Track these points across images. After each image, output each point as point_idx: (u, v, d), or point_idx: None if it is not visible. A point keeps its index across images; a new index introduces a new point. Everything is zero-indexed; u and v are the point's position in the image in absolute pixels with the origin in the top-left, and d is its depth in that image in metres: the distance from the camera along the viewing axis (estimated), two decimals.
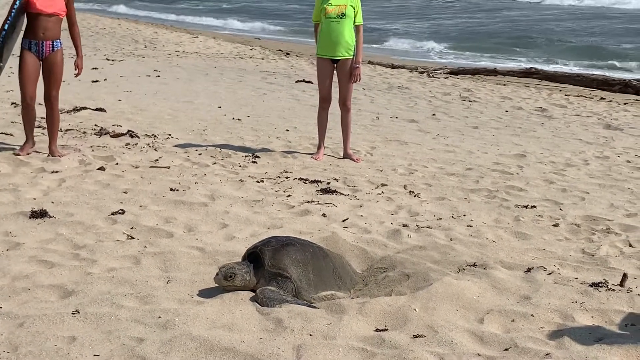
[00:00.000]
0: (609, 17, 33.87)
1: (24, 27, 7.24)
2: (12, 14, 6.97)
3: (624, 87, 15.36)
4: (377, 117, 10.95)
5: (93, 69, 13.86)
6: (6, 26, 7.00)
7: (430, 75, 16.54)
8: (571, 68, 19.40)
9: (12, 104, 9.59)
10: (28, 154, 7.29)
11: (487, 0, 41.42)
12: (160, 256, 4.92)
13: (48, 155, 7.35)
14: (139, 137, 8.42)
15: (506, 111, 12.35)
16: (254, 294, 4.29)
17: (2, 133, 8.15)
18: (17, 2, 6.95)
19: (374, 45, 23.15)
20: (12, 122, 8.59)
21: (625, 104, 13.68)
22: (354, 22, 7.79)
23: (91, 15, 27.72)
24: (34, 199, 6.11)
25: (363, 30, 7.99)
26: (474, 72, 17.41)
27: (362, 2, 8.00)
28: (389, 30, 27.63)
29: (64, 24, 7.28)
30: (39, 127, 8.38)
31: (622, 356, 3.78)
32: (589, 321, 4.18)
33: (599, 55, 21.61)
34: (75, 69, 7.54)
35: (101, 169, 7.09)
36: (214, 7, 37.70)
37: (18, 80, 7.24)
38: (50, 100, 7.34)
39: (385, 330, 4.00)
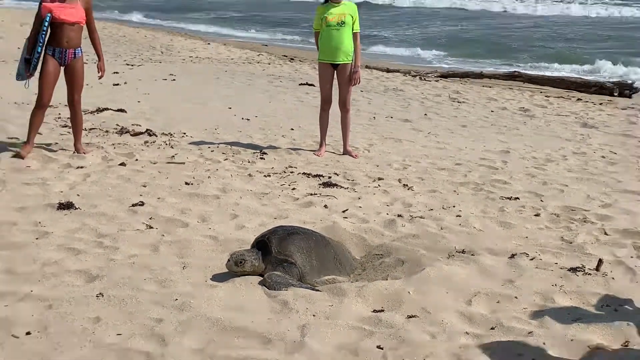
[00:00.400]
0: (581, 25, 33.74)
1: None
2: (43, 34, 6.89)
3: (600, 88, 15.34)
4: (374, 117, 10.94)
5: (114, 73, 13.84)
6: (39, 48, 6.93)
7: (422, 78, 16.51)
8: (552, 71, 19.30)
9: None
10: (28, 154, 7.06)
11: (461, 10, 41.41)
12: (177, 244, 4.94)
13: (73, 153, 7.36)
14: (156, 136, 8.42)
15: (492, 111, 12.33)
16: (262, 279, 4.31)
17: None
18: (47, 21, 6.87)
19: (371, 51, 23.11)
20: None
21: (600, 104, 13.65)
22: (352, 29, 7.79)
23: (112, 24, 27.66)
24: (61, 192, 6.11)
25: (360, 37, 7.99)
26: (463, 75, 17.37)
27: (360, 12, 8.00)
28: (384, 37, 27.51)
29: (83, 31, 7.23)
30: (65, 126, 8.40)
31: (598, 335, 3.79)
32: (567, 302, 4.20)
33: (576, 59, 21.54)
34: (99, 72, 7.52)
35: (122, 164, 7.09)
36: (224, 16, 37.62)
37: (38, 82, 7.14)
38: (73, 103, 7.32)
39: (382, 311, 4.02)
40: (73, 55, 7.10)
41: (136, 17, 35.82)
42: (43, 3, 6.92)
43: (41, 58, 7.04)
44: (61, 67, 7.14)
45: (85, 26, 7.20)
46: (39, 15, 6.91)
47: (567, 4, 43.32)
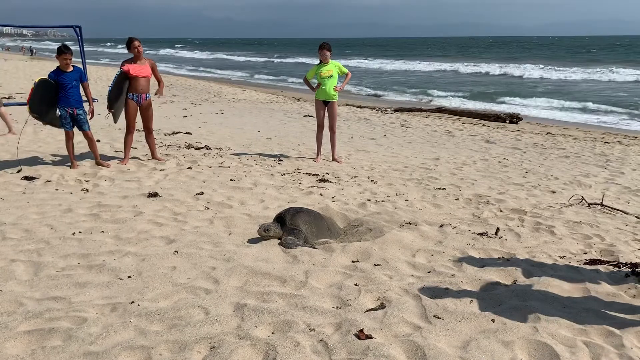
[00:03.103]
0: (483, 77, 33.79)
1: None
2: (114, 80, 6.81)
3: (497, 118, 15.36)
4: (352, 137, 10.93)
5: (183, 109, 13.82)
6: (109, 88, 6.87)
7: (382, 112, 16.50)
8: (466, 106, 19.28)
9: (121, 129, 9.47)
10: (127, 162, 7.10)
11: (408, 70, 41.55)
12: (225, 219, 4.93)
13: (156, 161, 7.31)
14: (211, 149, 8.40)
15: (427, 133, 12.32)
16: (280, 241, 4.31)
17: (133, 148, 8.10)
18: (118, 73, 6.78)
19: (348, 94, 23.08)
20: (136, 141, 8.54)
21: (497, 128, 13.67)
22: (343, 73, 7.81)
23: (183, 78, 27.58)
24: (150, 185, 6.11)
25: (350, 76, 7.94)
26: (408, 109, 17.37)
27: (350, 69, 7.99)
28: (357, 86, 27.47)
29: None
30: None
31: (496, 275, 3.80)
32: (477, 255, 4.21)
33: (483, 98, 21.58)
34: (158, 95, 7.20)
35: (189, 168, 7.08)
36: (255, 72, 37.58)
37: (125, 116, 7.02)
38: (148, 130, 7.22)
39: (357, 261, 4.02)
40: (145, 98, 6.99)
41: (183, 71, 35.96)
42: (123, 64, 6.83)
43: (119, 97, 6.84)
44: (137, 106, 6.99)
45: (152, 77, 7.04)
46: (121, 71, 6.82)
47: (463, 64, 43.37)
